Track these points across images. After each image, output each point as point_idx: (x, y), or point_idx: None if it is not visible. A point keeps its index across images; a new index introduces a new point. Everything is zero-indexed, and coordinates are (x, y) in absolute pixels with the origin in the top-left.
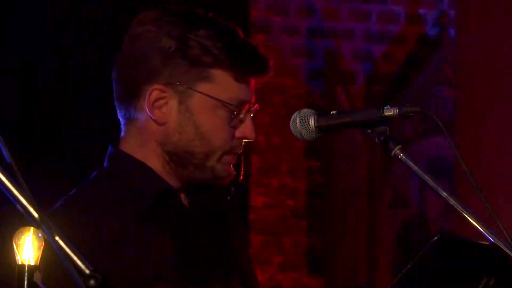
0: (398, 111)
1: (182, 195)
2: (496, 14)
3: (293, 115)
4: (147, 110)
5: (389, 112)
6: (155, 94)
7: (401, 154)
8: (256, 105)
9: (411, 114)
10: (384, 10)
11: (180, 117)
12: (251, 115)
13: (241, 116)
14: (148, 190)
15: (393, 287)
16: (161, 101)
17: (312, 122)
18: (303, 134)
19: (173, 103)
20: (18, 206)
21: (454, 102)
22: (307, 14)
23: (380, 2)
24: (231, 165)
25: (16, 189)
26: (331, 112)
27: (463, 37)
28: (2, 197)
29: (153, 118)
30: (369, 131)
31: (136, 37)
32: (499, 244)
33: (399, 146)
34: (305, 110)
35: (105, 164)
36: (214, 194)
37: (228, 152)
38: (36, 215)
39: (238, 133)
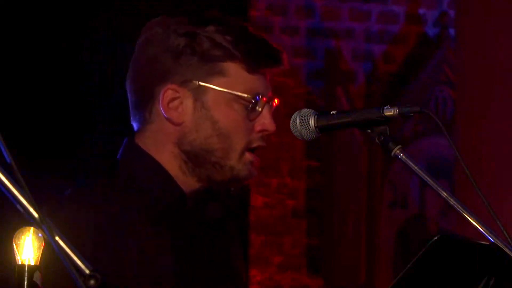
0: (398, 111)
1: (191, 200)
2: (496, 14)
3: (293, 115)
4: (163, 111)
5: (389, 112)
6: (168, 94)
7: (401, 154)
8: (276, 98)
9: (411, 114)
10: (384, 10)
11: (196, 114)
12: (270, 107)
13: (259, 108)
14: (159, 194)
15: (393, 287)
16: (176, 101)
17: (312, 122)
18: (303, 134)
19: (188, 101)
20: (18, 206)
21: (454, 102)
22: (307, 14)
23: (380, 2)
24: (254, 165)
25: (16, 189)
26: (331, 112)
27: (463, 37)
28: (2, 197)
29: (170, 119)
30: (369, 131)
31: (145, 42)
32: (499, 244)
33: (399, 146)
34: (305, 110)
35: (119, 156)
36: (220, 202)
37: (248, 148)
38: (36, 215)
39: (257, 126)
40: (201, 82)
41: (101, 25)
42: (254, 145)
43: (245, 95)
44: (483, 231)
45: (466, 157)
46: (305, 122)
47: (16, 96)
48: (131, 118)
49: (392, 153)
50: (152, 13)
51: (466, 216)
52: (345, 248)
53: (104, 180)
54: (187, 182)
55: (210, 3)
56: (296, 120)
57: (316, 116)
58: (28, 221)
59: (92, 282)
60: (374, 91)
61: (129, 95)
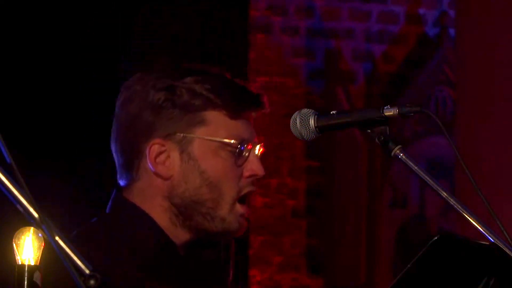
0: (398, 111)
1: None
2: (496, 14)
3: (293, 115)
4: (151, 167)
5: (389, 112)
6: (154, 149)
7: (401, 154)
8: (262, 143)
9: (411, 114)
10: (384, 10)
11: (184, 166)
12: (256, 152)
13: (245, 153)
14: (149, 244)
15: (393, 287)
16: (163, 155)
17: (312, 122)
18: (303, 134)
19: (175, 154)
20: (18, 206)
21: (454, 102)
22: (307, 14)
23: (380, 2)
24: (244, 218)
25: (16, 189)
26: (331, 112)
27: (463, 37)
28: (2, 197)
29: (158, 174)
30: (369, 131)
31: (125, 101)
32: (499, 244)
33: (399, 146)
34: (305, 110)
35: (108, 209)
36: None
37: (238, 196)
38: (36, 215)
39: (246, 172)
40: (185, 133)
41: (102, 25)
42: (245, 191)
43: (230, 141)
44: (483, 231)
45: (466, 157)
46: (305, 122)
47: (16, 96)
48: (118, 176)
49: (392, 153)
50: (150, 12)
51: (466, 216)
52: (345, 248)
53: (94, 233)
54: (178, 234)
55: (211, 4)
56: (296, 120)
57: (316, 116)
58: (28, 221)
59: (92, 282)
60: (374, 91)
61: (115, 156)
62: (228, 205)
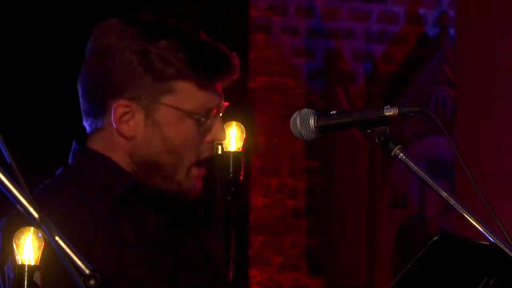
0: (398, 111)
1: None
2: (496, 14)
3: (293, 115)
4: (114, 125)
5: (389, 112)
6: (120, 109)
7: (401, 154)
8: (225, 103)
9: (411, 114)
10: (384, 10)
11: (148, 130)
12: (220, 115)
13: (209, 122)
14: (117, 185)
15: (393, 287)
16: (127, 116)
17: (312, 122)
18: (303, 134)
19: (139, 117)
20: (18, 206)
21: (454, 102)
22: (307, 14)
23: (380, 2)
24: (199, 179)
25: (16, 189)
26: (331, 112)
27: (463, 37)
28: (2, 197)
29: (121, 132)
30: (369, 131)
31: (99, 51)
32: (499, 244)
33: (399, 146)
34: (305, 110)
35: (70, 161)
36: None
37: (196, 162)
38: (36, 215)
39: (207, 137)
40: (153, 99)
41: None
42: (203, 156)
43: (196, 112)
44: (483, 231)
45: (466, 157)
46: (305, 122)
47: (16, 96)
48: (83, 120)
49: (392, 153)
50: (150, 12)
51: (466, 216)
52: (345, 248)
53: (61, 182)
54: None
55: (211, 4)
56: (296, 120)
57: (316, 116)
58: (28, 221)
59: (92, 282)
60: (374, 91)
61: (81, 99)
62: (185, 169)
